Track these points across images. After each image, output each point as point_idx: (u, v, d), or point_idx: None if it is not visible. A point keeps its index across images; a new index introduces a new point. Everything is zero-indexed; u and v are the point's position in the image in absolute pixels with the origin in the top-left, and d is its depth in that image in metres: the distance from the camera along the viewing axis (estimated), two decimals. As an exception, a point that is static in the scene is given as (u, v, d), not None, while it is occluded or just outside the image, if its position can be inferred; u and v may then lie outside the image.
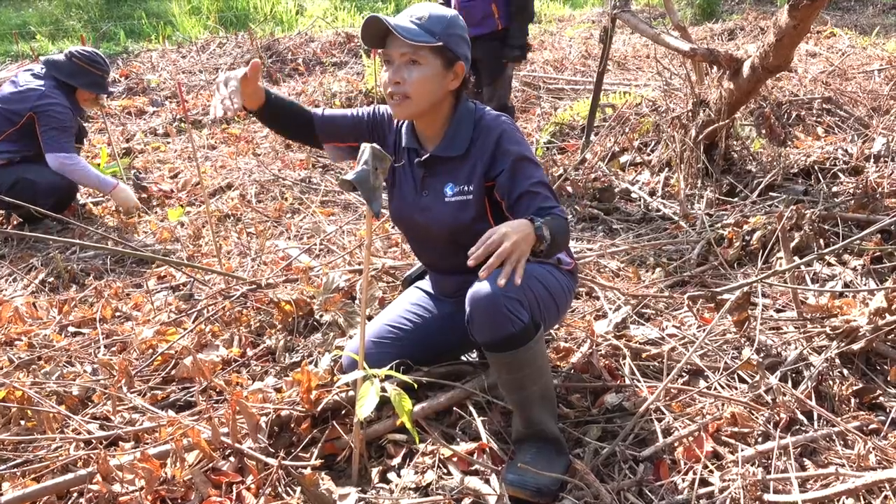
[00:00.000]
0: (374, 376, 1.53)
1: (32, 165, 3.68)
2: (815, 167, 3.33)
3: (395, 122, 1.96)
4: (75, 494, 1.68)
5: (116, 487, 1.65)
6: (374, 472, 1.75)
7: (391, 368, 1.92)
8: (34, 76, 3.72)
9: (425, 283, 2.15)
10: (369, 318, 2.40)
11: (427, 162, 1.86)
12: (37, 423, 1.91)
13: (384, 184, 1.61)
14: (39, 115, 3.60)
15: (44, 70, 3.73)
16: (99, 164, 4.00)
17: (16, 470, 1.74)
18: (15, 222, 3.84)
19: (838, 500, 1.55)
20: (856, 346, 1.99)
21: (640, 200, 3.54)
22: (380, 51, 1.80)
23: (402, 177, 1.94)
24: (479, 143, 1.80)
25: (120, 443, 1.87)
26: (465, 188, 1.82)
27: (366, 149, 1.53)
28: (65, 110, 3.66)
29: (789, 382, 1.96)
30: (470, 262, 1.50)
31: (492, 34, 3.76)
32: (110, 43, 9.28)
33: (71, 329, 2.59)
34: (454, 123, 1.83)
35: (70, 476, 1.68)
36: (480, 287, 1.63)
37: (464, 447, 1.80)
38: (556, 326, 2.25)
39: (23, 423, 1.93)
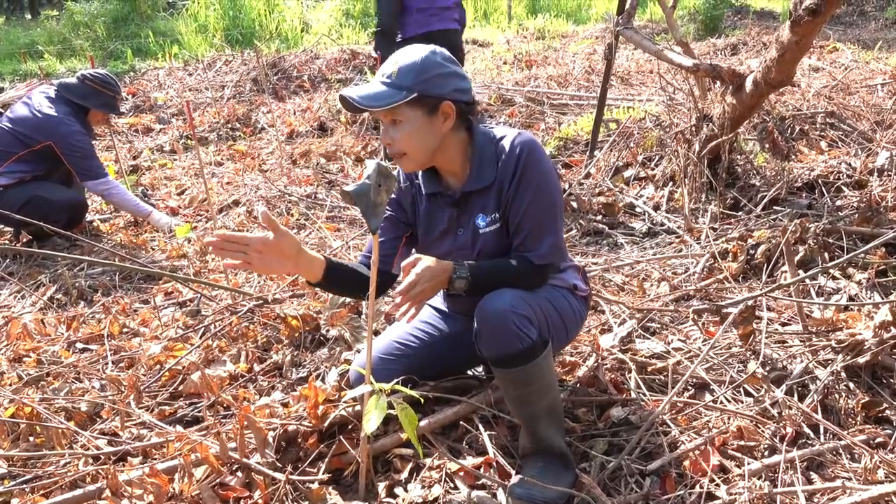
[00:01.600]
0: (381, 391, 1.54)
1: (45, 183, 3.72)
2: (819, 181, 3.33)
3: (406, 176, 1.91)
4: (84, 510, 1.69)
5: (125, 503, 1.65)
6: (381, 487, 1.76)
7: (397, 384, 1.94)
8: (48, 99, 3.77)
9: (436, 301, 2.15)
10: (376, 333, 2.42)
11: (459, 201, 1.81)
12: (46, 439, 1.92)
13: (387, 205, 1.59)
14: (63, 146, 3.67)
15: (56, 93, 3.79)
16: None
17: (25, 486, 1.75)
18: (24, 240, 3.88)
19: (846, 514, 1.55)
20: (861, 360, 1.99)
21: (644, 215, 3.56)
22: None
23: (433, 222, 1.88)
24: (502, 167, 1.76)
25: (128, 458, 1.88)
26: (496, 216, 1.79)
27: (371, 164, 1.54)
28: (84, 137, 3.74)
29: (795, 396, 1.96)
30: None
31: None
32: (118, 61, 9.39)
33: (79, 345, 2.61)
34: (477, 154, 1.78)
35: (79, 492, 1.69)
36: (489, 303, 1.64)
37: (470, 461, 1.81)
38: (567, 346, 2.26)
39: (32, 439, 1.94)
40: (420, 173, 1.87)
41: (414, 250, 1.95)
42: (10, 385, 2.25)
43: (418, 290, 1.62)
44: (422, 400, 1.79)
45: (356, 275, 1.84)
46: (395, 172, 1.59)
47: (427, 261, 1.65)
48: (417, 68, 1.67)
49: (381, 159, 1.91)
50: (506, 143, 1.77)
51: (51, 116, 3.68)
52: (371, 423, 1.49)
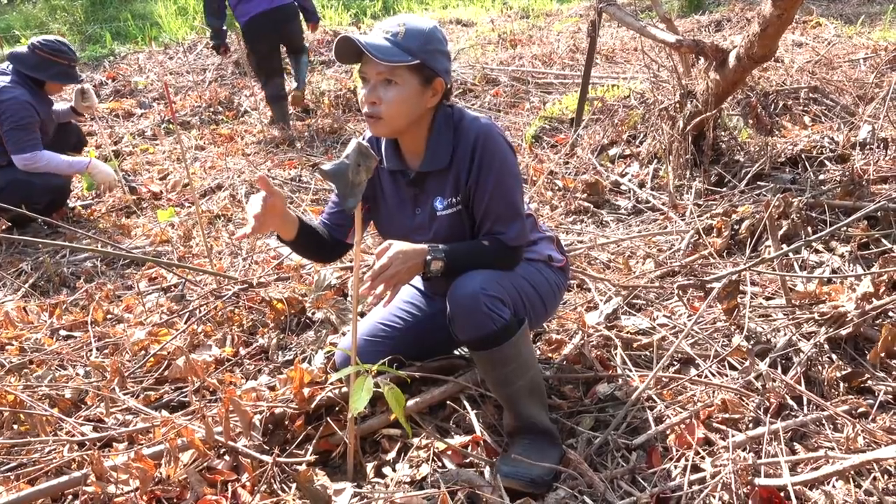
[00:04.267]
0: (367, 371, 1.54)
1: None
2: (802, 156, 3.35)
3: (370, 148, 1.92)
4: (70, 496, 1.69)
5: (111, 488, 1.65)
6: (370, 467, 1.76)
7: (383, 364, 1.94)
8: (1, 73, 3.65)
9: (417, 281, 2.15)
10: (361, 315, 2.41)
11: (416, 180, 1.81)
12: (30, 426, 1.91)
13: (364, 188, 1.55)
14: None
15: (10, 66, 3.65)
16: None
17: (10, 473, 1.74)
18: (2, 227, 3.82)
19: (828, 482, 1.57)
20: (844, 332, 2.02)
21: (629, 192, 3.56)
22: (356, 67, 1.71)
23: (391, 199, 1.88)
24: (459, 152, 1.75)
25: (114, 444, 1.87)
26: (453, 200, 1.78)
27: (352, 144, 1.52)
28: (21, 106, 3.55)
29: (779, 368, 1.98)
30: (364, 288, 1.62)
31: None
32: (96, 45, 9.22)
33: (62, 332, 2.59)
34: (434, 135, 1.77)
35: (64, 478, 1.68)
36: (460, 286, 1.64)
37: (458, 440, 1.82)
38: (548, 319, 2.26)
39: (16, 426, 1.93)
40: (383, 147, 1.85)
41: (377, 229, 1.97)
42: (-7, 373, 2.23)
43: (391, 272, 1.62)
44: (408, 380, 1.79)
45: (318, 237, 1.88)
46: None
47: (399, 245, 1.66)
48: (424, 36, 1.66)
49: (363, 138, 1.89)
50: (462, 130, 1.76)
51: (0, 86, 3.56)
52: (358, 404, 1.49)
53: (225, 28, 5.24)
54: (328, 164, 1.51)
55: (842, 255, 2.53)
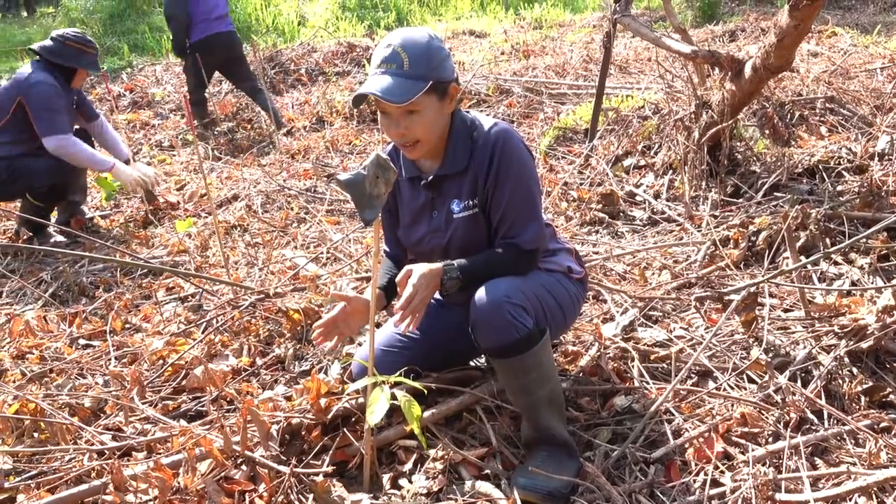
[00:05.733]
0: (384, 383, 1.54)
1: (27, 155, 3.67)
2: (820, 166, 3.32)
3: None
4: (89, 505, 1.70)
5: (130, 497, 1.66)
6: (386, 479, 1.76)
7: (400, 375, 1.94)
8: (30, 65, 3.72)
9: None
10: (378, 325, 2.41)
11: (433, 183, 1.83)
12: (50, 435, 1.92)
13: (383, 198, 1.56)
14: (27, 98, 3.58)
15: (39, 59, 3.72)
16: (107, 178, 4.03)
17: (30, 482, 1.75)
18: (24, 237, 3.87)
19: (850, 499, 1.55)
20: (864, 345, 1.99)
21: (644, 203, 3.55)
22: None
23: (409, 205, 1.90)
24: (477, 156, 1.77)
25: (133, 453, 1.88)
26: (470, 202, 1.80)
27: (370, 155, 1.53)
28: (52, 88, 3.63)
29: (799, 382, 1.96)
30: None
31: None
32: (114, 57, 9.35)
33: (81, 341, 2.61)
34: (453, 140, 1.79)
35: (84, 487, 1.69)
36: (484, 293, 1.64)
37: (474, 452, 1.81)
38: (566, 331, 2.26)
39: (36, 435, 1.95)
40: (401, 157, 1.87)
41: (400, 236, 1.99)
42: (14, 382, 2.25)
43: (418, 298, 1.65)
44: (425, 391, 1.79)
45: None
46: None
47: (419, 269, 1.68)
48: (427, 54, 1.65)
49: (383, 150, 1.91)
50: (480, 132, 1.77)
51: (25, 74, 3.64)
52: (375, 416, 1.49)
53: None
54: (344, 174, 1.52)
55: (861, 267, 2.51)
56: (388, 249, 2.07)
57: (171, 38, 5.87)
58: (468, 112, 1.85)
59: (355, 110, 5.74)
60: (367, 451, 1.72)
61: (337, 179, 1.52)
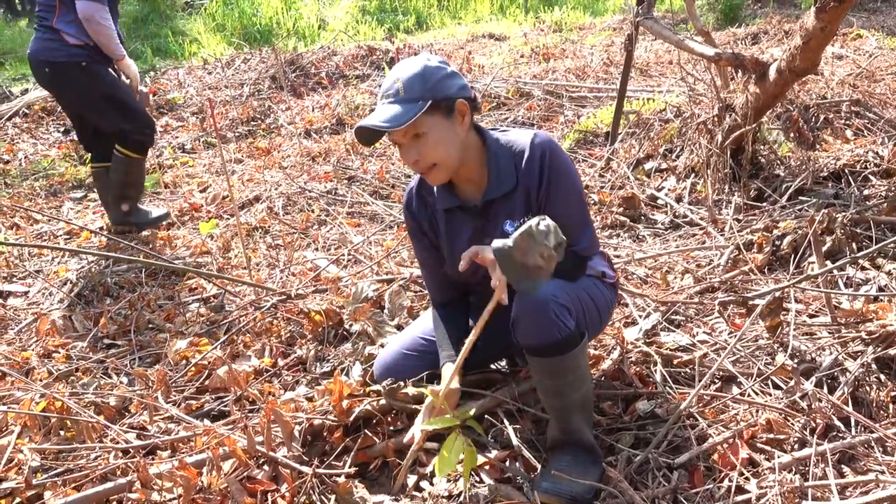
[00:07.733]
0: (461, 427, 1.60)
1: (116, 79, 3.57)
2: (846, 170, 3.28)
3: (418, 199, 1.91)
4: (115, 503, 1.71)
5: (155, 496, 1.67)
6: (411, 481, 1.76)
7: (422, 380, 1.94)
8: None
9: None
10: (399, 327, 2.42)
11: (483, 210, 1.80)
12: (76, 432, 1.95)
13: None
14: None
15: None
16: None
17: (57, 479, 1.78)
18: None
19: (879, 507, 1.53)
20: (892, 351, 1.96)
21: (666, 207, 3.52)
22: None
23: (450, 237, 1.87)
24: (525, 169, 1.74)
25: (157, 452, 1.90)
26: (524, 220, 1.79)
27: (526, 221, 1.47)
28: None
29: (825, 388, 1.93)
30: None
31: None
32: (138, 61, 9.47)
33: (106, 341, 2.65)
34: (493, 160, 1.76)
35: (110, 485, 1.71)
36: None
37: (496, 455, 1.81)
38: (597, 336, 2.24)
39: (63, 432, 1.97)
40: (435, 190, 1.85)
41: (447, 269, 1.93)
42: (41, 380, 2.28)
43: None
44: (480, 431, 1.79)
45: (464, 330, 1.88)
46: (525, 229, 1.46)
47: (481, 248, 1.67)
48: (421, 77, 1.65)
49: (413, 188, 1.90)
50: (524, 147, 1.75)
51: None
52: (447, 467, 1.56)
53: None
54: (498, 241, 1.47)
55: (889, 273, 2.47)
56: (436, 298, 1.99)
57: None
58: (494, 129, 1.83)
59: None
60: (408, 460, 1.75)
61: (495, 248, 1.48)
